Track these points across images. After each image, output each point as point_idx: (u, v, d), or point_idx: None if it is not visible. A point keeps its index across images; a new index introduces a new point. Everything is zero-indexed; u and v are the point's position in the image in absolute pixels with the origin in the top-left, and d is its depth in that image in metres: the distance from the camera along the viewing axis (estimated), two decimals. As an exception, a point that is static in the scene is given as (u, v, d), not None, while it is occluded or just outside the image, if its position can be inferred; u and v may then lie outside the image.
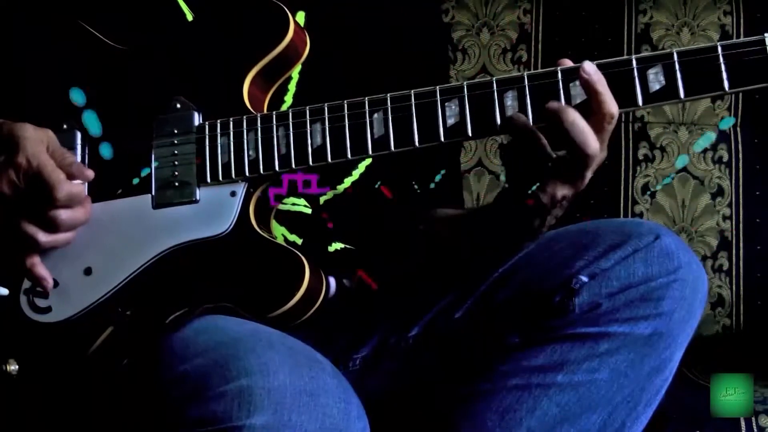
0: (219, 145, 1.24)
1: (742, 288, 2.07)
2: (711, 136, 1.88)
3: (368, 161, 1.39)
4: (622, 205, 2.09)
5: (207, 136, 1.25)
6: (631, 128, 2.11)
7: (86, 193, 1.25)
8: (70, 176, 1.21)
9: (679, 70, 1.09)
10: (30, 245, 1.21)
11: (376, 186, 1.42)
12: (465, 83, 1.16)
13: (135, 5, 1.37)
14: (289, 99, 1.36)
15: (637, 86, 1.11)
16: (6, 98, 1.32)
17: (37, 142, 1.19)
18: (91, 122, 1.30)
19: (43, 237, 1.21)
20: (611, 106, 1.09)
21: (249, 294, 1.21)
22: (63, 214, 1.20)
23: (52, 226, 1.20)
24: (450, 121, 1.16)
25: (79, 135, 1.29)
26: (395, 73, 1.42)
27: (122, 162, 1.28)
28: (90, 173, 1.24)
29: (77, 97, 1.30)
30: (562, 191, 1.13)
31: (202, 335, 1.15)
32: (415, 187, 1.46)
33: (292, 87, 1.37)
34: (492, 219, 1.26)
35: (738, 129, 2.11)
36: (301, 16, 1.38)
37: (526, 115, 1.12)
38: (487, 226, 1.27)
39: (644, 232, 1.24)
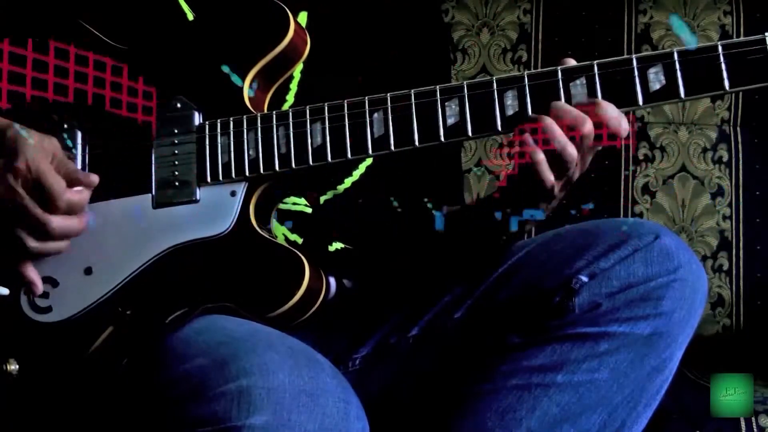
0: (219, 144, 1.24)
1: (742, 288, 2.07)
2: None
3: (369, 161, 1.39)
4: (622, 205, 2.08)
5: (207, 136, 1.25)
6: (630, 128, 2.11)
7: (88, 201, 1.24)
8: (74, 183, 1.20)
9: (680, 69, 1.09)
10: (20, 250, 1.21)
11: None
12: (465, 83, 1.16)
13: (135, 5, 1.37)
14: (290, 98, 1.36)
15: (638, 85, 1.11)
16: (7, 97, 1.31)
17: (38, 148, 1.19)
18: None
19: (33, 243, 1.20)
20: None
21: (249, 294, 1.20)
22: (54, 222, 1.19)
23: (43, 234, 1.20)
24: (450, 121, 1.16)
25: (79, 134, 1.29)
26: (395, 73, 1.42)
27: (123, 161, 1.28)
28: (94, 178, 1.23)
29: None
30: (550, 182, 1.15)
31: (202, 335, 1.15)
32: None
33: (293, 86, 1.37)
34: (485, 212, 1.26)
35: (738, 129, 2.11)
36: (303, 17, 1.38)
37: (526, 115, 1.13)
38: (482, 218, 1.28)
39: (644, 232, 1.24)
